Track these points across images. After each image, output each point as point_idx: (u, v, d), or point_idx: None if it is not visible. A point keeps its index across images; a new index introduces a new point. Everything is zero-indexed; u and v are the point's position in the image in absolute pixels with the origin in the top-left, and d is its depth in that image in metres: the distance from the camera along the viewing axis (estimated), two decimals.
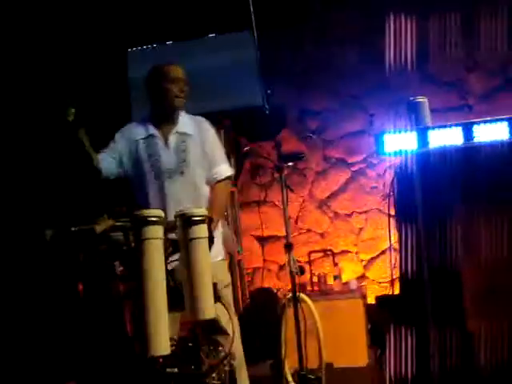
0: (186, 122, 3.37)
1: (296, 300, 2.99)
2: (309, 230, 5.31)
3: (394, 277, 5.04)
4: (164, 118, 3.35)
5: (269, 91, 4.29)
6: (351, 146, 5.29)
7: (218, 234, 3.27)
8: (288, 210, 5.35)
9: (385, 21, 5.10)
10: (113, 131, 3.41)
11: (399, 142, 3.16)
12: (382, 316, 3.58)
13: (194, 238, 2.23)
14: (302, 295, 3.17)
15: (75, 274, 2.35)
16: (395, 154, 3.18)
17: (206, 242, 2.25)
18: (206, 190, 3.34)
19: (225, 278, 3.29)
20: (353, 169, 5.30)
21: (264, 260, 5.40)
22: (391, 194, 3.25)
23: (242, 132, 3.57)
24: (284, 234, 5.34)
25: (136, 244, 2.18)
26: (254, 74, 4.33)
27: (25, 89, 4.44)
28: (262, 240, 5.39)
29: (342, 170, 5.32)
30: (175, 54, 4.46)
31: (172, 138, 3.31)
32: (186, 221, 2.24)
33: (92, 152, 3.10)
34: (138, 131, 3.34)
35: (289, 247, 3.15)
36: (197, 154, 3.30)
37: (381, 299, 4.02)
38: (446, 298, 2.92)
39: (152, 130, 3.32)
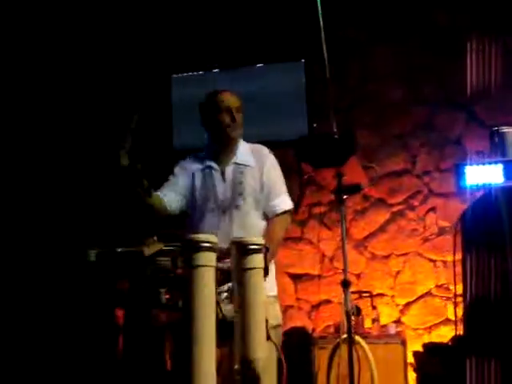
0: (244, 151, 3.18)
1: (351, 342, 2.77)
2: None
3: (433, 323, 4.93)
4: (221, 149, 3.18)
5: (315, 125, 4.17)
6: (392, 185, 5.13)
7: (273, 268, 3.04)
8: (324, 249, 5.34)
9: (431, 59, 5.02)
10: (154, 155, 3.32)
11: (481, 175, 3.00)
12: (434, 364, 3.37)
13: (249, 268, 2.07)
14: (358, 337, 2.94)
15: (117, 299, 2.20)
16: (478, 187, 3.01)
17: (261, 273, 2.09)
18: (260, 225, 3.14)
19: (274, 317, 2.91)
20: (393, 210, 5.13)
21: (297, 298, 5.21)
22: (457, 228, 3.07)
23: (305, 158, 3.40)
24: (319, 272, 5.33)
25: (185, 271, 2.03)
26: (301, 106, 4.23)
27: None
28: (295, 278, 5.22)
29: (381, 210, 5.15)
30: (220, 81, 4.41)
31: (229, 170, 3.14)
32: (242, 249, 2.08)
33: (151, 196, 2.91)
34: (195, 163, 3.21)
35: (346, 284, 2.95)
36: (254, 186, 3.12)
37: (430, 347, 3.80)
38: None
39: (209, 161, 3.18)
